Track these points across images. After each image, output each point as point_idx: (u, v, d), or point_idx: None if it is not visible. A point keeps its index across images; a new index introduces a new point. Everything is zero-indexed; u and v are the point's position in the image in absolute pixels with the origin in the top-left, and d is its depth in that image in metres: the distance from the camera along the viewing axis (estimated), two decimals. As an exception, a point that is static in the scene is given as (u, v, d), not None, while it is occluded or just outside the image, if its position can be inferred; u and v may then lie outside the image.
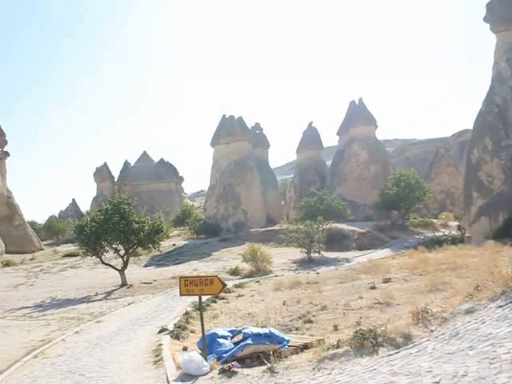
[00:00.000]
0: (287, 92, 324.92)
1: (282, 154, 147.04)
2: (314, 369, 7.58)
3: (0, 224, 53.32)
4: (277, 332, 9.73)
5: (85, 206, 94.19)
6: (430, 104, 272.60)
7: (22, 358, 11.87)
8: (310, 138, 70.27)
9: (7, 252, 52.29)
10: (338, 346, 8.10)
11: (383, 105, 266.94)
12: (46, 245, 64.70)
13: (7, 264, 41.42)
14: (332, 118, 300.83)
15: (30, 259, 45.20)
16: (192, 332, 12.84)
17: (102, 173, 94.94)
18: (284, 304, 15.50)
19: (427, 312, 8.10)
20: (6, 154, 61.33)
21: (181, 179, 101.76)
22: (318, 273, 24.32)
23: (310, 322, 12.39)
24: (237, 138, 57.70)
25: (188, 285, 9.58)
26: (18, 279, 32.57)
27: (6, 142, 57.58)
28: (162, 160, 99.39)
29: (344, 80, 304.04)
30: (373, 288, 16.64)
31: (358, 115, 62.82)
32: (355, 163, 61.62)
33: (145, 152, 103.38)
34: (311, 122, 72.77)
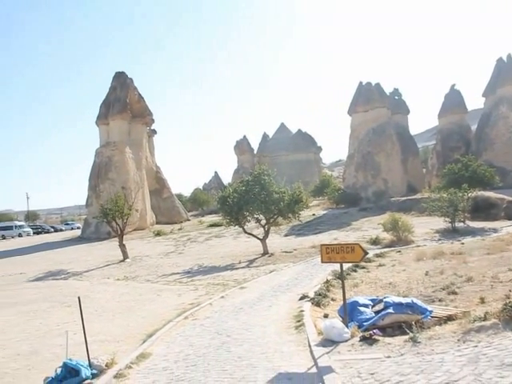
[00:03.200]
0: (427, 54, 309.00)
1: (422, 119, 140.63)
2: (458, 340, 7.33)
3: (150, 197, 57.13)
4: (419, 302, 9.50)
5: (227, 178, 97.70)
6: None
7: (175, 318, 12.81)
8: (453, 101, 66.27)
9: (157, 223, 56.21)
10: (485, 319, 7.75)
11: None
12: (191, 216, 68.42)
13: (158, 234, 44.57)
14: (477, 79, 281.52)
15: (178, 229, 48.15)
16: (332, 300, 12.94)
17: (241, 146, 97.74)
18: (426, 274, 15.02)
19: None
20: (154, 131, 65.45)
21: (319, 149, 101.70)
22: (462, 243, 23.14)
23: (454, 293, 11.89)
24: (375, 104, 56.16)
25: (329, 252, 9.63)
26: (168, 248, 34.92)
27: (153, 121, 61.33)
28: (299, 131, 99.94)
29: (490, 35, 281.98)
30: (525, 260, 15.54)
31: (506, 73, 58.04)
32: (503, 126, 57.30)
33: (282, 124, 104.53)
34: (454, 85, 68.58)
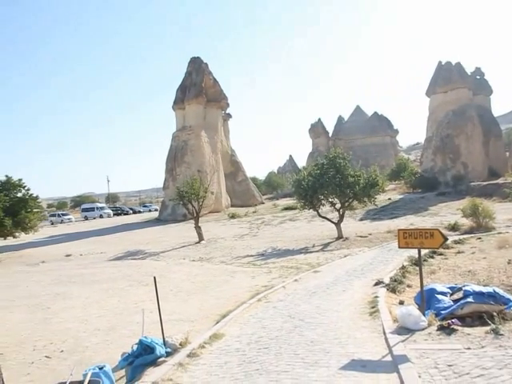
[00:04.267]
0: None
1: (506, 100, 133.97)
2: (546, 334, 6.90)
3: (226, 180, 57.82)
4: (502, 292, 9.00)
5: (301, 161, 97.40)
6: None
7: (248, 300, 12.88)
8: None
9: (232, 205, 56.88)
10: None
11: None
12: (266, 199, 68.77)
13: (233, 216, 45.11)
14: None
15: (253, 212, 48.50)
16: (408, 286, 12.56)
17: (316, 129, 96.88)
18: (509, 263, 14.26)
19: None
20: (229, 115, 65.98)
21: (395, 132, 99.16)
22: (550, 230, 21.90)
23: (541, 283, 11.24)
24: (455, 85, 53.95)
25: (407, 237, 9.30)
26: (242, 230, 35.26)
27: (228, 105, 61.85)
28: (375, 113, 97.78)
29: None
30: None
31: None
32: None
33: (358, 106, 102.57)
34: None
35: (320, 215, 28.55)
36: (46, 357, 9.73)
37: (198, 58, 58.61)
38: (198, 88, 55.58)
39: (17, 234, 31.79)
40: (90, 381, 6.83)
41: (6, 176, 31.54)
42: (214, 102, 57.63)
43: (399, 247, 9.62)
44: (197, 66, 57.59)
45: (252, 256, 23.40)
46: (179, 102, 56.22)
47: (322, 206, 28.46)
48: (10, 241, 33.74)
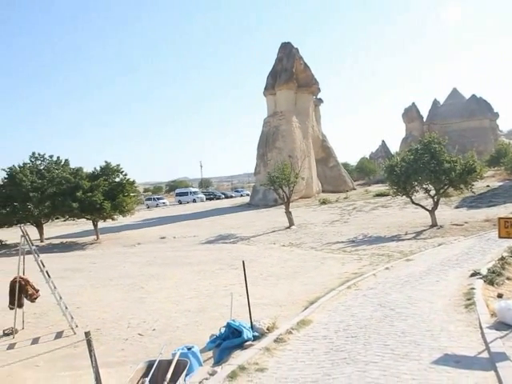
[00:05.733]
0: None
1: None
2: None
3: (317, 166, 57.46)
4: None
5: (394, 146, 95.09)
6: None
7: (337, 287, 12.68)
8: None
9: (323, 191, 56.52)
10: None
11: None
12: (357, 185, 67.79)
13: (324, 202, 44.79)
14: None
15: (344, 198, 47.93)
16: (508, 279, 11.82)
17: (410, 113, 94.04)
18: None
19: None
20: (320, 100, 65.33)
21: (495, 115, 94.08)
22: None
23: None
24: None
25: (508, 227, 8.72)
26: (333, 216, 34.91)
27: (319, 90, 61.19)
28: (473, 96, 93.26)
29: None
30: None
31: None
32: None
33: (455, 89, 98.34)
34: None
35: (413, 202, 27.64)
36: (139, 334, 10.13)
37: (288, 43, 58.38)
38: (289, 73, 55.40)
39: (115, 216, 33.27)
40: (178, 360, 6.99)
41: (106, 162, 33.06)
42: (305, 87, 57.24)
43: (499, 237, 9.06)
44: (287, 52, 57.38)
45: (342, 242, 23.09)
46: (270, 87, 56.36)
47: (415, 193, 27.54)
48: (108, 223, 35.43)
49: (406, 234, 23.82)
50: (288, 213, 31.39)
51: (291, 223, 30.88)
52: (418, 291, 11.32)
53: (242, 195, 76.81)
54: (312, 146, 56.76)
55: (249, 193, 68.05)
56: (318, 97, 63.45)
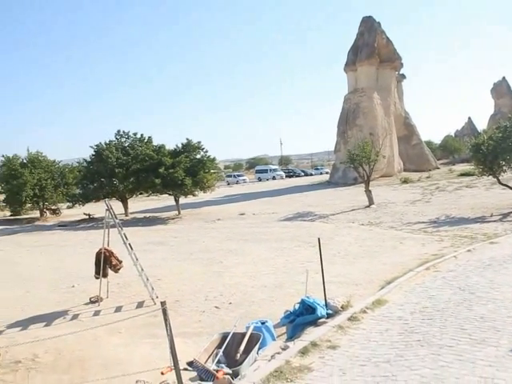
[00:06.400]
0: None
1: None
2: None
3: (398, 143, 56.08)
4: None
5: (481, 124, 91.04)
6: None
7: (415, 268, 12.43)
8: None
9: (405, 170, 55.21)
10: None
11: None
12: (441, 164, 65.64)
13: (405, 181, 43.77)
14: None
15: (426, 177, 46.59)
16: None
17: (500, 88, 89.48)
18: None
19: None
20: (403, 76, 63.43)
21: None
22: None
23: None
24: None
25: None
26: (414, 195, 34.06)
27: (402, 65, 59.36)
28: None
29: None
30: None
31: None
32: None
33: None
34: None
35: (500, 182, 26.42)
36: (216, 307, 10.43)
37: (370, 17, 56.82)
38: (370, 48, 54.05)
39: (196, 192, 34.06)
40: (251, 334, 7.18)
41: (187, 139, 33.80)
42: (386, 62, 55.68)
43: None
44: (369, 26, 55.90)
45: (423, 223, 22.50)
46: (351, 63, 55.30)
47: (502, 173, 26.30)
48: (190, 199, 36.32)
49: (491, 216, 22.86)
50: (368, 191, 30.92)
51: (371, 202, 30.42)
52: (502, 275, 10.89)
53: (321, 173, 76.46)
54: (394, 123, 55.34)
55: (328, 171, 67.59)
56: (401, 72, 61.60)
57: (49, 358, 7.91)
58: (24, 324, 10.08)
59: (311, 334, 7.60)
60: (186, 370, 6.19)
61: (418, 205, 29.49)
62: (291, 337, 7.89)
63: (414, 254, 14.78)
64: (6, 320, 10.34)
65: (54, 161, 40.39)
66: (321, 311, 8.31)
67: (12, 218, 39.65)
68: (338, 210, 29.40)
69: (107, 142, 34.88)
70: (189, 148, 33.47)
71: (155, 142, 35.37)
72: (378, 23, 56.31)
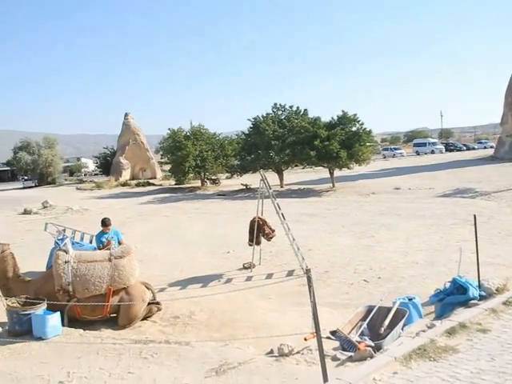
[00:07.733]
0: None
1: None
2: None
3: None
4: None
5: None
6: None
7: None
8: None
9: None
10: None
11: None
12: None
13: None
14: None
15: None
16: None
17: None
18: None
19: None
20: None
21: None
22: None
23: None
24: None
25: None
26: None
27: None
28: None
29: None
30: None
31: None
32: None
33: None
34: None
35: None
36: (364, 280, 10.47)
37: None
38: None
39: (351, 165, 33.84)
40: (397, 309, 7.12)
41: (343, 111, 33.50)
42: None
43: None
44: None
45: None
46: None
47: None
48: (344, 172, 36.14)
49: None
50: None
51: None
52: None
53: (485, 147, 71.46)
54: None
55: (493, 145, 62.97)
56: None
57: (203, 316, 8.59)
58: (183, 284, 11.02)
59: (460, 314, 7.31)
60: (328, 338, 6.35)
61: None
62: (440, 316, 7.68)
63: None
64: (168, 279, 11.37)
65: (215, 133, 42.62)
66: (473, 292, 7.92)
67: (176, 186, 42.74)
68: (502, 187, 27.37)
69: (264, 114, 35.86)
70: (344, 120, 33.20)
71: (310, 115, 35.67)
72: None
